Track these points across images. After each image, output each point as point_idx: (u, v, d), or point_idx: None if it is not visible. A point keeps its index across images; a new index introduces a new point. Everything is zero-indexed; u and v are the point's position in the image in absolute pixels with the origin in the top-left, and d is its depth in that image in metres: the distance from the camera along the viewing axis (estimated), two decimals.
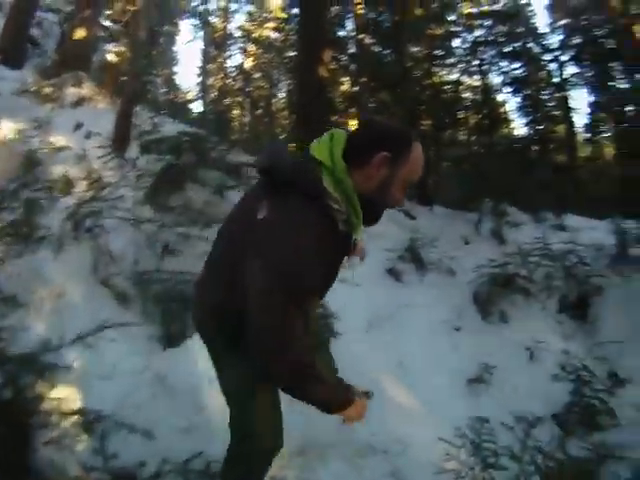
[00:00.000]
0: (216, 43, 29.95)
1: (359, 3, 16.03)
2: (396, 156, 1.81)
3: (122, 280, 5.25)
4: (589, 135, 25.82)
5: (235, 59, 30.65)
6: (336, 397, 1.96)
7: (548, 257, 8.61)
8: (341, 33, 17.10)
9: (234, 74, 28.89)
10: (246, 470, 2.33)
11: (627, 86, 20.84)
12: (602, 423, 5.30)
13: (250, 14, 29.25)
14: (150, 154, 7.52)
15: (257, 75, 28.21)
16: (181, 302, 4.68)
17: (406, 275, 8.08)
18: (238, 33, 29.34)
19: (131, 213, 5.80)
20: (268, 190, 1.82)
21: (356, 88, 16.59)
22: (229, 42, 29.73)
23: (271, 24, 26.91)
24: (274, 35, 26.43)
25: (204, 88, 29.93)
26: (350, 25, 17.11)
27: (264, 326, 1.70)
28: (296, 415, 4.20)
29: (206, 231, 5.64)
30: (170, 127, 9.16)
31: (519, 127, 25.65)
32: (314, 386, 1.85)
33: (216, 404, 3.85)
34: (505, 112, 23.56)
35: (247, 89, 27.41)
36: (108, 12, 17.17)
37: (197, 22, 28.83)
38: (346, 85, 18.71)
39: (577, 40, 23.07)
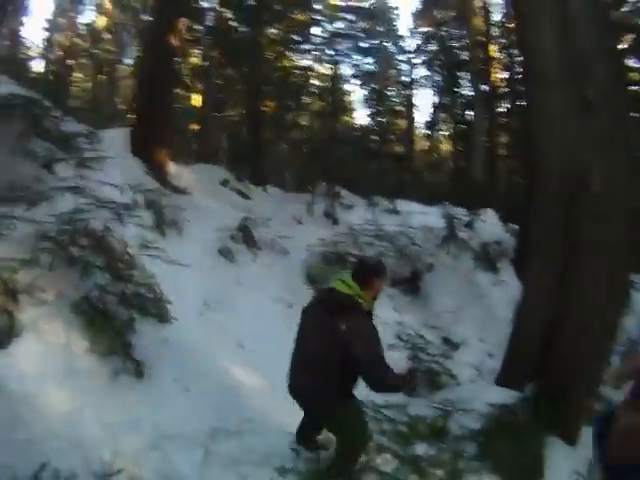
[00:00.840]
0: None
1: None
2: (383, 277, 3.61)
3: None
4: (428, 131, 28.03)
5: (88, 16, 27.60)
6: (402, 382, 3.43)
7: (380, 237, 9.19)
8: (204, 4, 16.01)
9: (84, 32, 26.25)
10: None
11: (471, 93, 22.77)
12: (443, 383, 5.89)
13: None
14: None
15: (107, 37, 26.23)
16: (5, 295, 4.21)
17: (238, 255, 7.87)
18: None
19: None
20: (329, 312, 3.37)
21: (206, 62, 16.12)
22: None
23: None
24: None
25: (50, 45, 26.20)
26: None
27: (373, 368, 3.27)
28: (143, 410, 3.97)
29: (33, 211, 4.97)
30: (3, 88, 8.16)
31: (362, 117, 27.15)
32: (394, 385, 3.39)
33: (57, 411, 3.54)
34: (350, 102, 24.76)
35: (94, 51, 25.44)
36: None
37: None
38: (196, 58, 17.98)
39: (432, 47, 25.05)
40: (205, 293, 6.42)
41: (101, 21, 25.89)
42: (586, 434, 4.61)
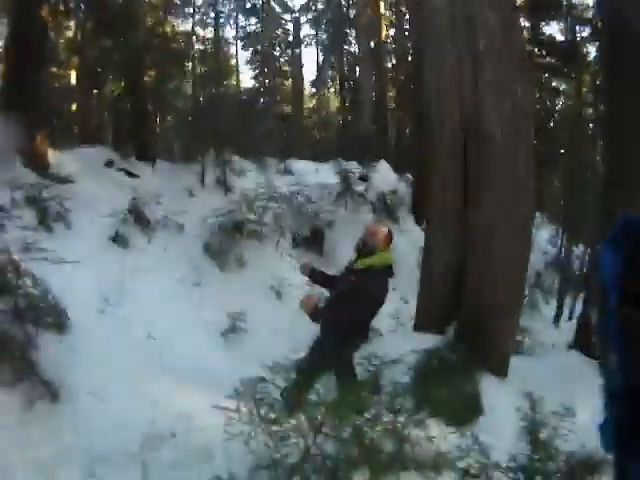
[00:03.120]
0: None
1: None
2: None
3: None
4: (315, 90, 28.12)
5: None
6: None
7: (275, 199, 8.97)
8: None
9: None
10: None
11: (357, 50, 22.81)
12: None
13: None
14: None
15: None
16: None
17: (132, 239, 7.44)
18: None
19: None
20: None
21: (81, 35, 14.44)
22: None
23: None
24: None
25: None
26: None
27: None
28: (68, 436, 3.60)
29: None
30: None
31: (248, 79, 26.59)
32: None
33: None
34: (234, 64, 24.00)
35: None
36: None
37: None
38: (71, 32, 16.16)
39: (319, 5, 25.15)
40: (103, 288, 5.96)
41: None
42: (516, 364, 4.98)
